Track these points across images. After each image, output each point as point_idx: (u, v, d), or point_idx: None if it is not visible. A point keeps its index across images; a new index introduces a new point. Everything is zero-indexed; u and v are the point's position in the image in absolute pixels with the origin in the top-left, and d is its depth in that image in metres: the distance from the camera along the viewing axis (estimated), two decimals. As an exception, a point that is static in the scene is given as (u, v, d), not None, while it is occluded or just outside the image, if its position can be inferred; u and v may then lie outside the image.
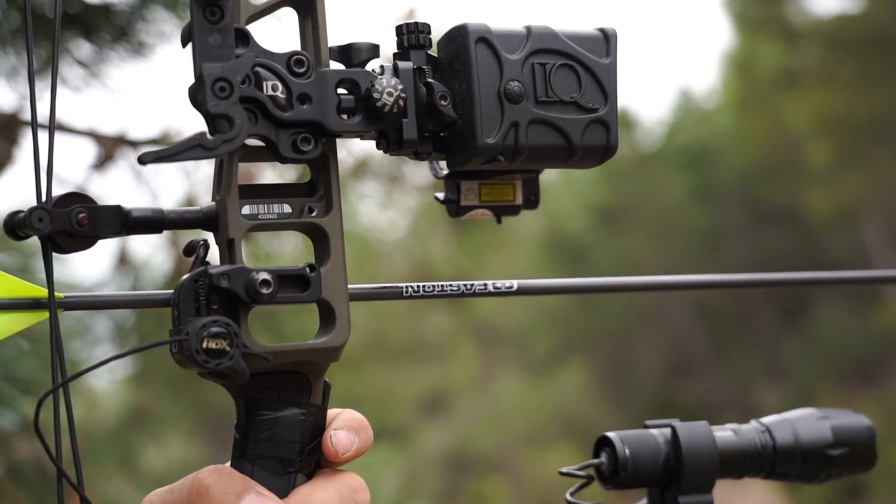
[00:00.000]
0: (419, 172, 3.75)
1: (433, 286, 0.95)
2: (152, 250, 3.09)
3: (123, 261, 2.74)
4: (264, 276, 0.82)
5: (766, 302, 24.45)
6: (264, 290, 0.81)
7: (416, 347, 17.55)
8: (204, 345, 0.79)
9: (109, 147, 2.58)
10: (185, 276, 0.84)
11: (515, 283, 0.97)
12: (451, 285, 0.96)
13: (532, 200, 0.99)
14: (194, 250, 0.85)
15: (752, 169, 23.16)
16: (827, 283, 1.14)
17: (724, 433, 1.02)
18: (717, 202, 24.50)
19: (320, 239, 0.86)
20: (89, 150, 2.63)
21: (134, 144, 2.64)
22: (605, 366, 24.20)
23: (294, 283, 0.84)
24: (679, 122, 27.17)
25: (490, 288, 0.96)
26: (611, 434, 1.01)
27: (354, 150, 3.50)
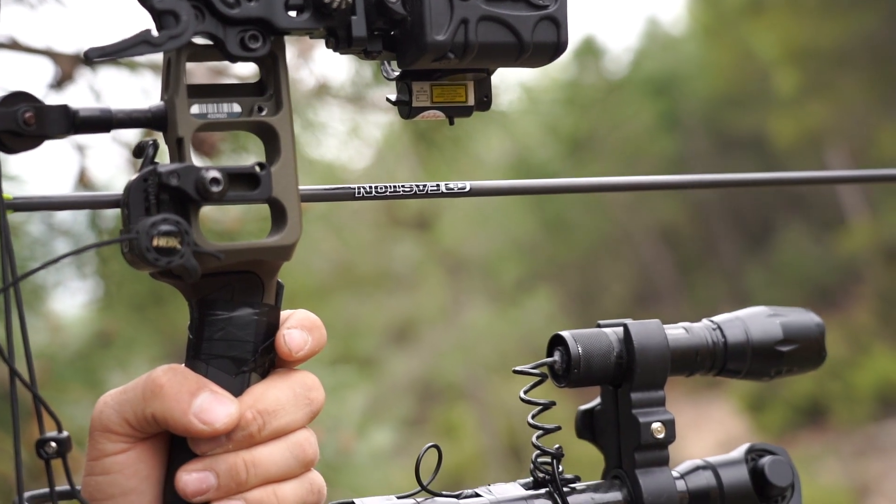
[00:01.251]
0: (382, 94, 3.72)
1: (385, 187, 0.95)
2: (113, 172, 3.07)
3: (83, 182, 2.71)
4: (214, 173, 0.81)
5: (731, 229, 24.62)
6: (214, 188, 0.81)
7: (384, 278, 17.59)
8: (154, 243, 0.79)
9: (67, 66, 2.54)
10: (133, 176, 0.83)
11: (468, 184, 0.97)
12: (403, 186, 0.96)
13: (484, 102, 0.99)
14: (143, 150, 0.85)
15: (718, 97, 23.18)
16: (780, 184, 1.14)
17: (676, 331, 1.03)
18: (684, 130, 24.54)
19: (270, 138, 0.86)
20: (47, 69, 2.59)
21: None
22: (572, 294, 24.35)
23: (244, 182, 0.84)
24: (646, 50, 27.08)
25: (443, 189, 0.96)
26: (564, 333, 1.01)
27: (316, 70, 3.47)
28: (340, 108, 3.93)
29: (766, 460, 1.05)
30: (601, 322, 1.04)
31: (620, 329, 1.02)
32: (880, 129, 17.97)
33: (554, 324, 19.10)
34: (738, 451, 1.08)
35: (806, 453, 16.16)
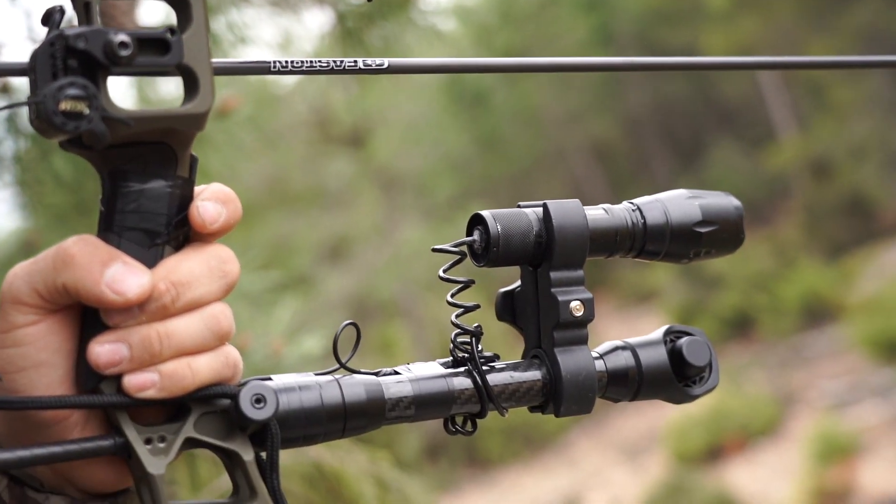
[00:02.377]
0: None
1: (301, 62, 0.93)
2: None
3: (5, 90, 2.65)
4: (123, 37, 0.79)
5: (664, 145, 24.80)
6: (123, 52, 0.79)
7: (318, 195, 17.51)
8: (61, 107, 0.77)
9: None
10: (40, 42, 0.81)
11: (386, 61, 0.96)
12: (319, 61, 0.94)
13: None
14: (51, 17, 0.82)
15: (650, 12, 23.17)
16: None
17: (596, 212, 1.03)
18: (617, 45, 24.50)
19: (182, 6, 0.84)
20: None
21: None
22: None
23: (154, 47, 0.82)
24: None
25: (360, 65, 0.95)
26: (484, 212, 1.01)
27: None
28: (267, 14, 3.86)
29: (683, 341, 1.06)
30: (521, 203, 1.03)
31: (540, 209, 1.02)
32: (809, 44, 18.11)
33: (487, 240, 19.18)
34: (657, 333, 1.08)
35: (733, 364, 16.52)
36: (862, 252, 17.35)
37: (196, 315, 0.86)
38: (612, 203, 1.06)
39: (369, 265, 16.50)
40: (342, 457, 2.56)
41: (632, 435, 16.30)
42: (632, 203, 1.07)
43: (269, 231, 15.29)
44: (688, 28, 21.46)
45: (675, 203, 1.07)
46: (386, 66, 0.97)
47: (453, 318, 1.02)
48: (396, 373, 0.99)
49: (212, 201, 0.87)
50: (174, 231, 0.87)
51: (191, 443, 0.88)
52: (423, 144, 19.01)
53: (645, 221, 1.05)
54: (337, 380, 0.95)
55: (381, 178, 17.97)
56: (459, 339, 1.01)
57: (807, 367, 16.05)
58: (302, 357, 2.82)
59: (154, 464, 0.85)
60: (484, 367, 1.00)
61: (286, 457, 2.57)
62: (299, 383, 0.93)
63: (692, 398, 1.08)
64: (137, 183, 0.85)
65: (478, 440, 17.15)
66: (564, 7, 24.16)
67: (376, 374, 0.98)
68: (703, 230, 1.06)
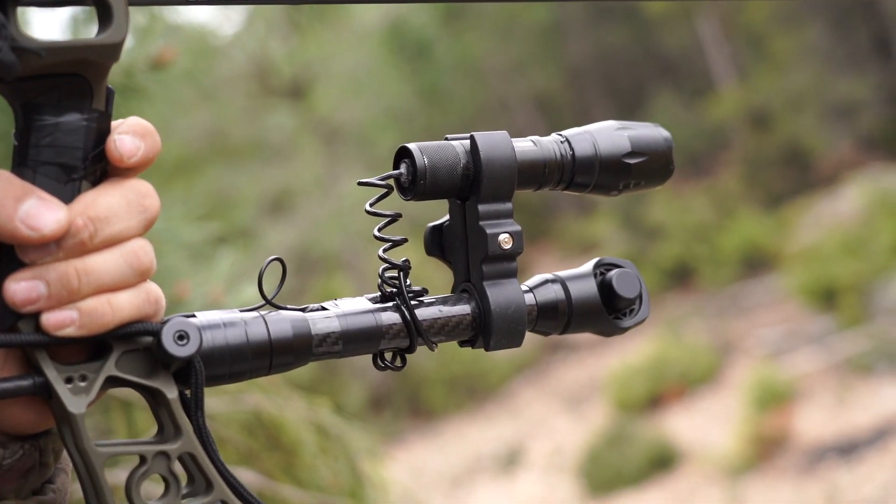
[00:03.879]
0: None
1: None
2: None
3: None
4: None
5: (606, 96, 24.86)
6: None
7: (259, 148, 17.37)
8: None
9: None
10: None
11: (309, -10, 0.94)
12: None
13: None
14: None
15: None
16: None
17: (524, 143, 1.02)
18: (559, -7, 24.46)
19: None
20: None
21: None
22: (449, 163, 24.41)
23: None
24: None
25: (282, -7, 0.92)
26: (410, 145, 1.00)
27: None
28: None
29: (613, 273, 1.06)
30: (449, 136, 1.02)
31: (468, 141, 1.01)
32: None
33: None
34: (587, 266, 1.08)
35: (673, 314, 16.71)
36: (799, 202, 17.57)
37: (115, 251, 0.84)
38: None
39: (311, 218, 16.43)
40: (281, 404, 2.55)
41: (574, 385, 16.46)
42: (560, 135, 1.06)
43: (210, 184, 15.16)
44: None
45: (604, 134, 1.06)
46: (309, -6, 0.95)
47: (381, 252, 1.01)
48: (324, 308, 0.98)
49: (129, 135, 0.85)
50: (91, 166, 0.85)
51: (113, 381, 0.87)
52: (365, 96, 18.90)
53: (574, 153, 1.04)
54: (263, 316, 0.94)
55: (323, 131, 17.86)
56: (387, 274, 1.00)
57: (745, 316, 16.27)
58: (242, 305, 2.80)
59: (75, 403, 0.84)
60: (412, 302, 0.99)
61: (224, 404, 2.56)
62: (224, 320, 0.92)
63: (622, 330, 1.08)
64: (52, 116, 0.83)
65: (421, 391, 17.25)
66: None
67: (303, 309, 0.97)
68: (632, 161, 1.06)
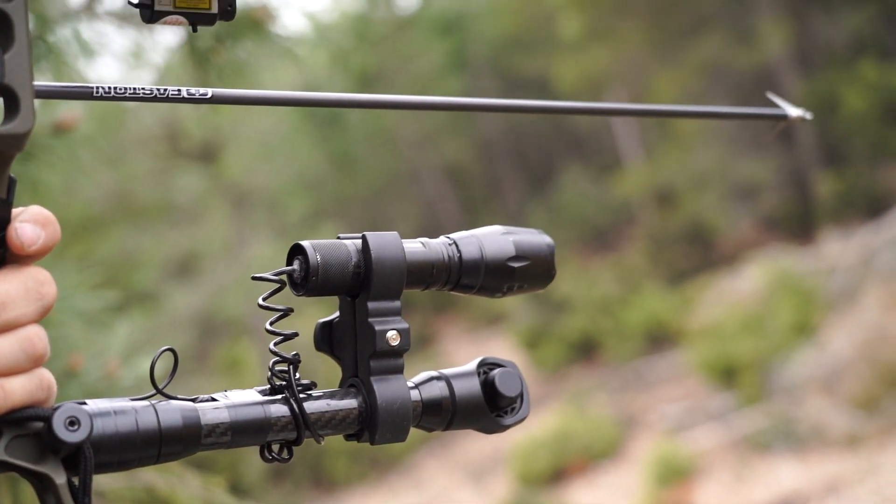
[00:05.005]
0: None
1: (125, 88, 0.94)
2: None
3: None
4: None
5: (515, 169, 25.17)
6: None
7: (166, 210, 17.20)
8: None
9: None
10: None
11: (210, 91, 0.97)
12: (143, 88, 0.95)
13: (228, 11, 0.98)
14: None
15: (505, 38, 23.53)
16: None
17: (414, 245, 1.06)
18: (471, 70, 24.80)
19: (4, 25, 0.84)
20: None
21: None
22: (358, 230, 24.34)
23: None
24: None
25: (184, 94, 0.96)
26: (304, 242, 1.03)
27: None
28: (116, 27, 3.79)
29: (496, 372, 1.10)
30: (341, 235, 1.06)
31: (359, 240, 1.05)
32: (656, 76, 18.65)
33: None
34: (471, 364, 1.12)
35: (577, 387, 16.83)
36: (702, 279, 17.89)
37: (10, 336, 0.86)
38: (432, 237, 1.10)
39: (217, 282, 16.29)
40: (174, 482, 2.53)
41: (478, 456, 16.44)
42: (449, 238, 1.11)
43: (114, 245, 14.96)
44: (541, 55, 21.87)
45: (490, 239, 1.11)
46: (210, 95, 0.98)
47: (272, 346, 1.04)
48: (214, 399, 1.00)
49: (30, 223, 0.87)
50: (-10, 252, 0.86)
51: (1, 466, 0.87)
52: (276, 161, 18.88)
53: (461, 255, 1.09)
54: (153, 405, 0.96)
55: (232, 194, 17.77)
56: (278, 367, 1.03)
57: (648, 390, 16.44)
58: (138, 379, 2.77)
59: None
60: (301, 395, 1.02)
61: (116, 480, 2.53)
62: (115, 408, 0.94)
63: (503, 428, 1.12)
64: None
65: (323, 461, 17.06)
66: (420, 30, 24.35)
67: (193, 400, 0.99)
68: (516, 265, 1.11)
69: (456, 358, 20.87)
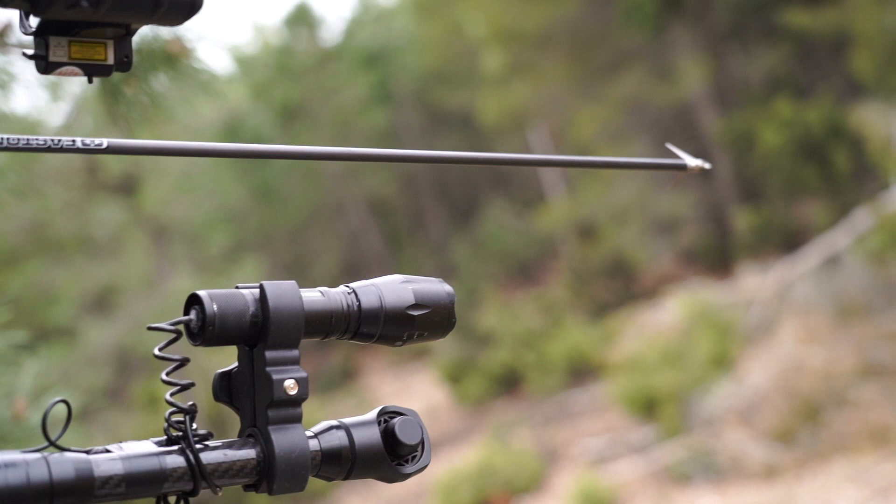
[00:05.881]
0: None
1: (18, 139, 0.93)
2: None
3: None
4: None
5: (439, 202, 25.25)
6: None
7: (83, 243, 16.95)
8: None
9: None
10: None
11: (105, 142, 0.97)
12: (37, 139, 0.94)
13: (125, 62, 0.98)
14: None
15: (429, 72, 23.66)
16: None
17: (312, 294, 1.06)
18: (395, 103, 24.88)
19: None
20: None
21: None
22: (282, 263, 24.29)
23: None
24: (359, 20, 27.25)
25: (79, 144, 0.95)
26: (200, 292, 1.03)
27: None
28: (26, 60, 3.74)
29: (396, 421, 1.10)
30: (240, 284, 1.06)
31: (257, 290, 1.05)
32: (578, 111, 18.87)
33: (261, 293, 18.96)
34: (372, 413, 1.12)
35: (500, 420, 16.85)
36: (623, 312, 18.07)
37: None
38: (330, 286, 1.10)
39: (136, 316, 16.06)
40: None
41: (400, 491, 16.36)
42: (348, 286, 1.11)
43: (28, 280, 14.70)
44: (464, 89, 22.02)
45: (390, 287, 1.11)
46: (105, 146, 0.98)
47: (168, 396, 1.03)
48: (108, 451, 0.99)
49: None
50: None
51: None
52: (197, 194, 18.72)
53: (360, 304, 1.09)
54: (45, 457, 0.94)
55: (152, 227, 17.58)
56: (174, 418, 1.02)
57: (571, 423, 16.52)
58: (49, 421, 2.72)
59: None
60: (197, 446, 1.01)
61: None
62: (4, 461, 0.92)
63: (404, 477, 1.12)
64: None
65: (244, 499, 16.85)
66: (344, 62, 24.39)
67: (87, 452, 0.98)
68: (415, 313, 1.11)
69: (379, 392, 20.79)
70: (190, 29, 3.29)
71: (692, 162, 1.37)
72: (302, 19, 24.11)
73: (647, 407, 14.49)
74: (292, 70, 23.37)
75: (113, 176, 15.89)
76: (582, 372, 17.57)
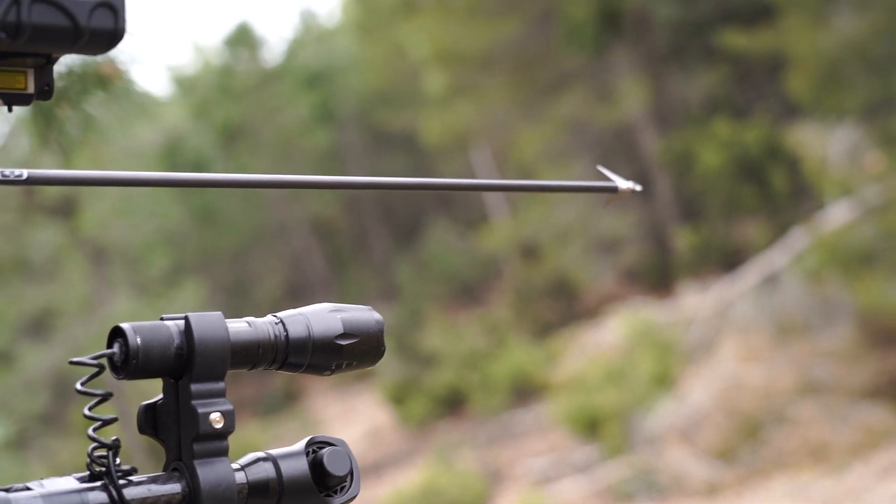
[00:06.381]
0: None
1: (-66, 170, 0.92)
2: None
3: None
4: None
5: (383, 225, 25.23)
6: None
7: (20, 265, 16.71)
8: None
9: None
10: None
11: (25, 172, 0.95)
12: (-46, 170, 0.92)
13: (46, 91, 0.97)
14: None
15: (371, 92, 23.66)
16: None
17: (239, 325, 1.05)
18: (338, 123, 24.85)
19: None
20: None
21: None
22: (223, 286, 24.12)
23: None
24: (301, 40, 27.21)
25: (-3, 176, 0.94)
26: (124, 325, 1.01)
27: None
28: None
29: (325, 451, 1.09)
30: (165, 315, 1.04)
31: (182, 322, 1.03)
32: (520, 132, 18.97)
33: (202, 315, 18.83)
34: (300, 444, 1.11)
35: (444, 441, 16.83)
36: (566, 332, 18.14)
37: None
38: (257, 316, 1.09)
39: (74, 340, 15.86)
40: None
41: (344, 513, 16.26)
42: (276, 316, 1.10)
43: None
44: (407, 110, 22.06)
45: (318, 317, 1.11)
46: (25, 177, 0.96)
47: (90, 431, 1.01)
48: (28, 488, 0.97)
49: None
50: None
51: None
52: (136, 216, 18.55)
53: (287, 334, 1.08)
54: (-38, 497, 0.92)
55: (91, 250, 17.38)
56: (96, 454, 1.01)
57: (515, 443, 16.54)
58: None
59: None
60: (121, 481, 0.99)
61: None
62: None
63: (331, 509, 1.11)
64: None
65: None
66: (286, 82, 24.32)
67: (7, 490, 0.96)
68: (344, 342, 1.11)
69: (323, 415, 20.68)
70: (123, 51, 3.26)
71: (623, 184, 1.38)
72: (243, 39, 24.03)
73: (591, 426, 14.55)
74: (233, 90, 23.26)
75: (50, 198, 15.70)
76: (526, 392, 17.59)
